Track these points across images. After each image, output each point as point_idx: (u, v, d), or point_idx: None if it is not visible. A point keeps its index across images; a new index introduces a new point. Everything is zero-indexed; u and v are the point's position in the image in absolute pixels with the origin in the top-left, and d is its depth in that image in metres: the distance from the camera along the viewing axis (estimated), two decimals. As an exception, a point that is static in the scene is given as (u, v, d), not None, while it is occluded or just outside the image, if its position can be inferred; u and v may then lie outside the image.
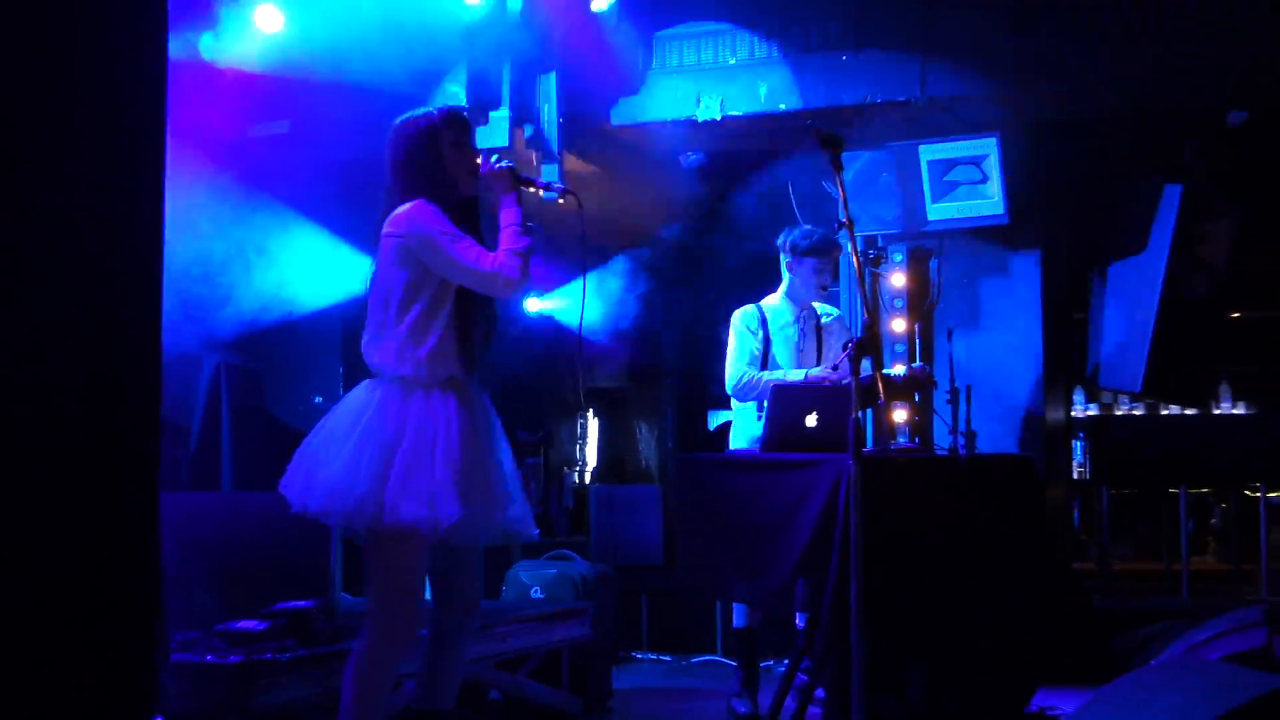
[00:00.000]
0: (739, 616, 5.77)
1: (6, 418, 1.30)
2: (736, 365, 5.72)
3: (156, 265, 1.47)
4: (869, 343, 3.93)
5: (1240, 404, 11.53)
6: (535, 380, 8.37)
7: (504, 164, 3.92)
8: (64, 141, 1.40)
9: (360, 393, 3.90)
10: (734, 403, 5.86)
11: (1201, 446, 7.87)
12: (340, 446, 3.76)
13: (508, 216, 3.85)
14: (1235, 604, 6.56)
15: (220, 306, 5.74)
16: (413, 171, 3.96)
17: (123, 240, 1.43)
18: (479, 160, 3.98)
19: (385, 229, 3.92)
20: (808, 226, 5.81)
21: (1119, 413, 9.79)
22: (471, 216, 4.03)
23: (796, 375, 5.60)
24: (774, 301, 5.84)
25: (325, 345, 6.64)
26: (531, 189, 3.99)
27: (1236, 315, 10.03)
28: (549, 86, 6.65)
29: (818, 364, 5.76)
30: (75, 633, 1.34)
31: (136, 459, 1.45)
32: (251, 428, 5.59)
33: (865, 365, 3.97)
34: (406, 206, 3.86)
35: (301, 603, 4.40)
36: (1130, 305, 7.12)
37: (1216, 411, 9.60)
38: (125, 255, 1.44)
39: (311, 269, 6.32)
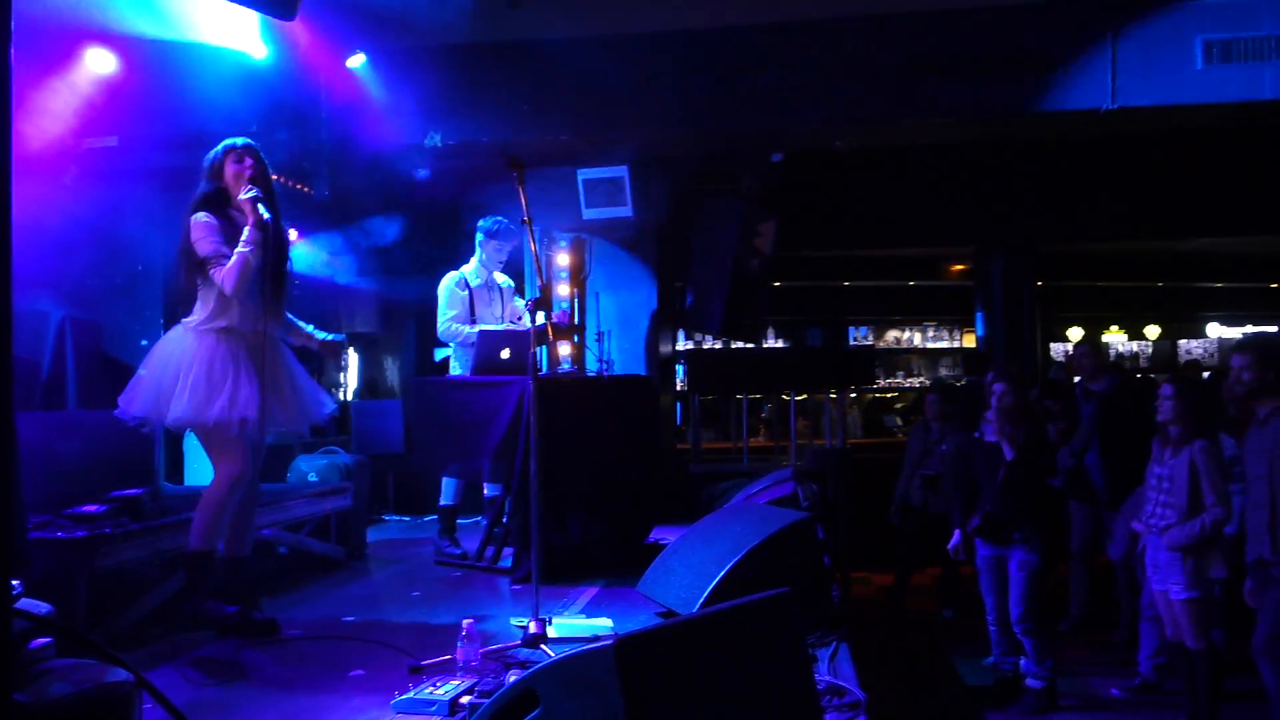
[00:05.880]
0: (445, 497, 5.68)
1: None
2: (443, 316, 5.64)
3: (6, 244, 1.35)
4: (543, 302, 3.95)
5: (779, 340, 12.24)
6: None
7: (252, 194, 3.78)
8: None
9: (173, 335, 3.79)
10: (452, 343, 5.78)
11: (755, 367, 8.33)
12: (162, 374, 3.67)
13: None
14: (775, 468, 7.00)
15: (66, 277, 5.20)
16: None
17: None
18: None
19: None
20: (497, 217, 5.72)
21: (705, 347, 10.25)
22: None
23: (492, 326, 5.57)
24: (470, 269, 5.75)
25: (150, 302, 6.13)
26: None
27: (777, 284, 10.60)
28: (319, 121, 6.29)
29: (503, 316, 5.76)
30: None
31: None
32: (91, 363, 5.11)
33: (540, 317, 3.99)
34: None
35: (133, 490, 4.08)
36: (711, 277, 7.39)
37: (765, 345, 10.18)
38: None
39: (136, 250, 5.81)
